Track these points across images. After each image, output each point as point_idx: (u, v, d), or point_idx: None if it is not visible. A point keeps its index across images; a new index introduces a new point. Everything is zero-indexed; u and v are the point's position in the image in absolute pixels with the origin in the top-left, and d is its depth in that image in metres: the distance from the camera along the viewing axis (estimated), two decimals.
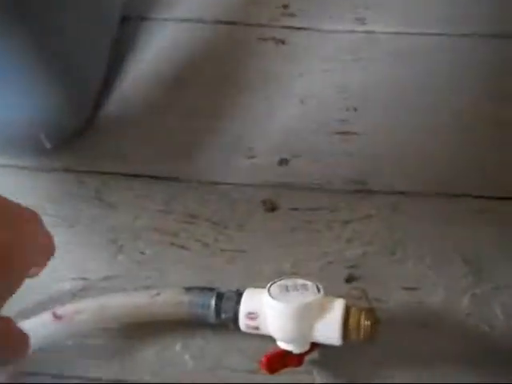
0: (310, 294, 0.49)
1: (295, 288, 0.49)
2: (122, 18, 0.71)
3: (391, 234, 0.58)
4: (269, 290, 0.49)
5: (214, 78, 0.69)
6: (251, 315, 0.49)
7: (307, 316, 0.48)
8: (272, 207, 0.60)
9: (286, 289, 0.49)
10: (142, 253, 0.58)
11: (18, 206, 0.36)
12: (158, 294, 0.52)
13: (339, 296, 0.50)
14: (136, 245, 0.59)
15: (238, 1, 0.70)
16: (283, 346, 0.50)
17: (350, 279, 0.57)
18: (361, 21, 0.69)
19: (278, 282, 0.50)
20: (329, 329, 0.48)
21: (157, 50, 0.70)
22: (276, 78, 0.67)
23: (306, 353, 0.50)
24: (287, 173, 0.62)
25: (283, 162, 0.62)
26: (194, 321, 0.52)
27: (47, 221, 0.39)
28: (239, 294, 0.51)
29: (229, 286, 0.54)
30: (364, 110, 0.64)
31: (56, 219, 0.60)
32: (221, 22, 0.70)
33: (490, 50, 0.69)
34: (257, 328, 0.49)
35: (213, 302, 0.51)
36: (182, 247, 0.59)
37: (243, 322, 0.50)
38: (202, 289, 0.53)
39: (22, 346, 0.38)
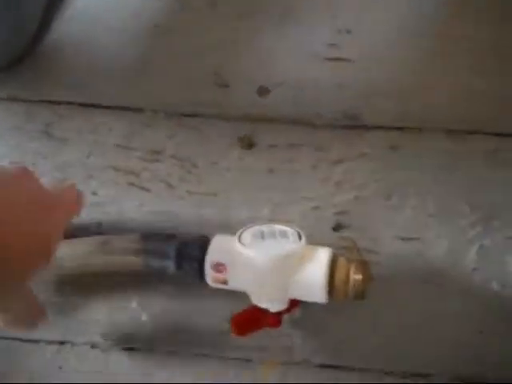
0: (289, 242, 0.41)
1: (272, 235, 0.41)
2: None
3: (388, 177, 0.50)
4: (240, 238, 0.41)
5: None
6: (219, 267, 0.41)
7: (286, 268, 0.40)
8: (249, 143, 0.51)
9: (261, 236, 0.41)
10: (95, 193, 0.50)
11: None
12: (110, 242, 0.45)
13: (325, 245, 0.42)
14: (88, 185, 0.51)
15: None
16: (257, 303, 0.42)
17: (337, 227, 0.48)
18: None
19: (252, 228, 0.42)
20: (312, 283, 0.40)
21: None
22: None
23: (285, 311, 0.43)
24: (267, 104, 0.53)
25: (263, 91, 0.53)
26: (152, 273, 0.45)
27: None
28: (205, 242, 0.43)
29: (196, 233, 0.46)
30: (358, 33, 0.55)
31: None
32: None
33: None
34: (225, 282, 0.41)
35: (173, 251, 0.43)
36: (143, 188, 0.51)
37: (210, 275, 0.42)
38: (161, 235, 0.45)
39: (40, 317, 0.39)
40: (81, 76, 0.55)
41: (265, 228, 0.42)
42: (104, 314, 0.49)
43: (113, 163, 0.51)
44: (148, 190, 0.50)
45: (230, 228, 0.45)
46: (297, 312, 0.47)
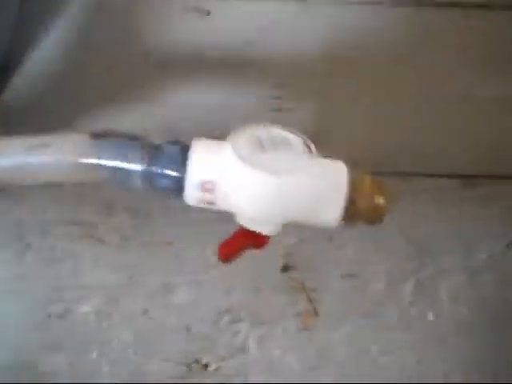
0: (295, 154, 0.32)
1: (273, 144, 0.32)
2: None
3: None
4: (234, 147, 0.31)
5: (135, 54, 0.62)
6: (207, 185, 0.31)
7: (294, 190, 0.32)
8: None
9: (260, 145, 0.32)
10: (53, 248, 0.52)
11: None
12: (48, 145, 0.31)
13: (275, 286, 0.45)
14: (45, 240, 0.53)
15: None
16: (248, 226, 0.34)
17: (285, 268, 0.52)
18: None
19: (247, 134, 0.32)
20: (326, 207, 0.32)
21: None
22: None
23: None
24: None
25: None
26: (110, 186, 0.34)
27: None
28: (184, 148, 0.32)
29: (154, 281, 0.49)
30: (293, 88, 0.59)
31: None
32: None
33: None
34: (212, 203, 0.32)
35: (138, 163, 0.31)
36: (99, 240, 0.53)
37: (193, 196, 0.31)
38: (120, 135, 0.32)
39: None
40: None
41: (263, 134, 0.33)
42: None
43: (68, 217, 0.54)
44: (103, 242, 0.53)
45: (185, 274, 0.48)
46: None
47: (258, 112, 0.57)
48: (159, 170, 0.31)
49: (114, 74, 0.59)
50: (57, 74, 0.60)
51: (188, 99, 0.58)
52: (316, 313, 0.49)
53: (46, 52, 0.60)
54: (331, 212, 0.32)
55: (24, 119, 0.57)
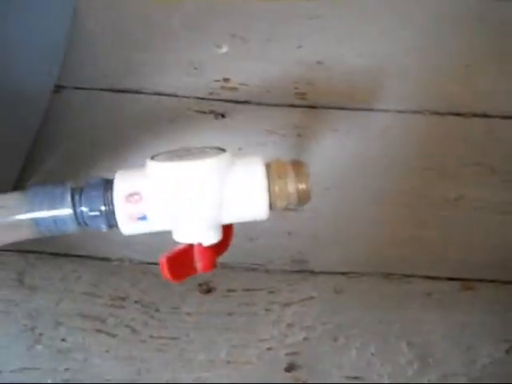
0: (212, 154, 0.34)
1: (189, 153, 0.35)
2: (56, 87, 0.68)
3: (333, 318, 0.55)
4: (154, 159, 0.34)
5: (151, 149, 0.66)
6: (134, 197, 0.32)
7: (217, 182, 0.33)
8: (207, 289, 0.56)
9: (177, 155, 0.34)
10: (64, 340, 0.54)
11: None
12: None
13: None
14: (57, 332, 0.54)
15: (178, 73, 0.69)
16: (185, 239, 0.34)
17: (290, 368, 0.53)
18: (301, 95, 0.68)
19: (162, 153, 0.35)
20: (250, 198, 0.33)
21: (91, 120, 0.67)
22: None
23: (218, 248, 0.36)
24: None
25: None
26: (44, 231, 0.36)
27: None
28: (108, 180, 0.34)
29: (159, 376, 0.50)
30: None
31: None
32: (160, 94, 0.68)
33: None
34: (143, 216, 0.33)
35: (68, 197, 0.33)
36: (109, 334, 0.54)
37: (122, 211, 0.32)
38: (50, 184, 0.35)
39: None
40: None
41: (178, 152, 0.35)
42: None
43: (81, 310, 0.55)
44: (114, 336, 0.54)
45: (189, 371, 0.49)
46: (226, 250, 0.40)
47: None
48: (88, 205, 0.33)
49: None
50: None
51: None
52: None
53: None
54: (258, 203, 0.33)
55: None
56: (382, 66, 0.69)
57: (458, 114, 0.66)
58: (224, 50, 0.70)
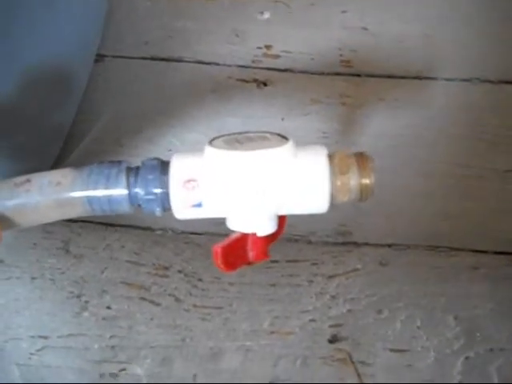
0: (274, 142, 0.32)
1: (249, 139, 0.33)
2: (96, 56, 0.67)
3: (378, 291, 0.54)
4: (212, 145, 0.32)
5: (194, 119, 0.65)
6: (190, 183, 0.32)
7: (277, 173, 0.32)
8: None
9: (237, 141, 0.33)
10: (109, 308, 0.54)
11: None
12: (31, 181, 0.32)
13: (322, 358, 0.46)
14: (103, 300, 0.54)
15: (219, 41, 0.67)
16: (241, 228, 0.33)
17: (333, 339, 0.52)
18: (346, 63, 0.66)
19: (223, 137, 0.34)
20: (311, 190, 0.32)
21: (132, 89, 0.66)
22: (257, 121, 0.64)
23: (273, 236, 0.34)
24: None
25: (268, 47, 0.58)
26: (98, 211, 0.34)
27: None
28: (164, 162, 0.33)
29: (204, 345, 0.50)
30: None
31: (15, 270, 0.56)
32: (201, 62, 0.67)
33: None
34: (199, 203, 0.32)
35: (123, 178, 0.32)
36: (153, 302, 0.54)
37: (179, 197, 0.32)
38: (104, 164, 0.33)
39: None
40: None
41: (238, 136, 0.33)
42: None
43: (125, 278, 0.56)
44: (158, 304, 0.54)
45: (233, 340, 0.49)
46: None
47: None
48: (143, 188, 0.32)
49: None
50: None
51: None
52: None
53: None
54: (319, 197, 0.32)
55: None
56: (430, 33, 0.66)
57: (510, 83, 0.63)
58: (266, 16, 0.68)
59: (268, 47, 0.67)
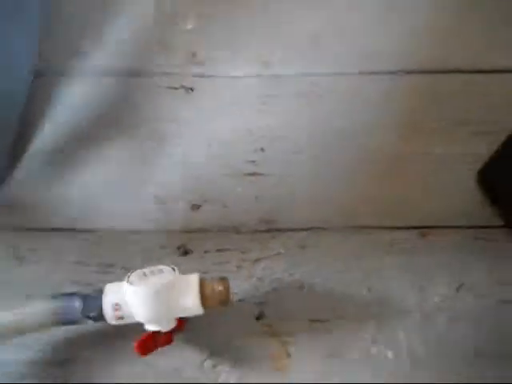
0: (166, 275, 0.52)
1: (152, 273, 0.52)
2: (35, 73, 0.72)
3: (299, 270, 0.61)
4: (128, 279, 0.51)
5: (129, 127, 0.71)
6: (116, 307, 0.52)
7: (167, 295, 0.51)
8: (185, 251, 0.62)
9: (144, 275, 0.52)
10: None
11: None
12: (24, 308, 0.53)
13: (250, 333, 0.52)
14: None
15: (146, 50, 0.73)
16: (151, 327, 0.52)
17: (260, 316, 0.59)
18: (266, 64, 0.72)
19: (136, 271, 0.53)
20: (188, 301, 0.51)
21: (67, 104, 0.71)
22: (186, 124, 0.70)
23: (174, 330, 0.54)
24: (199, 218, 0.65)
25: (194, 207, 0.65)
26: (64, 325, 0.53)
27: None
28: (101, 291, 0.53)
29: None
30: (271, 151, 0.67)
31: None
32: (130, 74, 0.72)
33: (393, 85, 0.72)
34: (122, 318, 0.52)
35: (77, 304, 0.53)
36: None
37: (109, 315, 0.52)
38: (66, 294, 0.54)
39: None
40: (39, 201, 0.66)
41: (146, 270, 0.53)
42: None
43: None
44: None
45: None
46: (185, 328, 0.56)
47: None
48: (90, 310, 0.53)
49: None
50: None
51: None
52: (288, 355, 0.55)
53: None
54: (192, 303, 0.52)
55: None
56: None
57: (429, 72, 0.70)
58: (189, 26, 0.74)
59: (194, 54, 0.72)
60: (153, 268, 0.52)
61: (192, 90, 0.71)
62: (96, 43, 0.73)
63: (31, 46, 0.71)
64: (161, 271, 0.52)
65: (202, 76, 0.71)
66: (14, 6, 0.65)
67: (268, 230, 0.64)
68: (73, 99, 0.71)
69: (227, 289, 0.52)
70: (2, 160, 0.66)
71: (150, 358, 0.52)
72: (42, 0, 0.72)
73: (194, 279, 0.52)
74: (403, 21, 0.72)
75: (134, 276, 0.52)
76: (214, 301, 0.52)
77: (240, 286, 0.60)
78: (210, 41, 0.72)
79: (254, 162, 0.67)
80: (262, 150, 0.67)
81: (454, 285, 0.60)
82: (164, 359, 0.56)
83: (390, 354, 0.57)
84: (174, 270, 0.52)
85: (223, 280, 0.52)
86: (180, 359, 0.57)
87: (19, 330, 0.52)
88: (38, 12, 0.72)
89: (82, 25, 0.74)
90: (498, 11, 0.72)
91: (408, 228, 0.64)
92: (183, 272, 0.60)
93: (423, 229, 0.64)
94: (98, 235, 0.64)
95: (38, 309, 0.52)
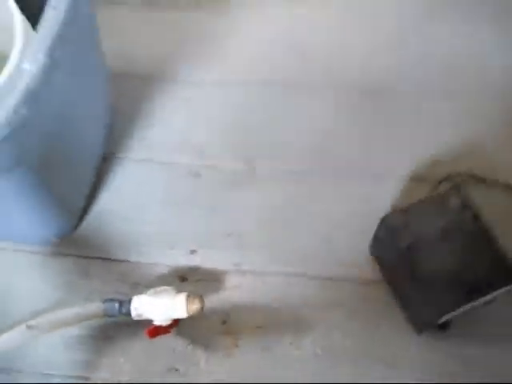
0: (169, 293, 0.83)
1: (160, 291, 0.84)
2: (103, 157, 1.06)
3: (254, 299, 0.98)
4: (147, 293, 0.83)
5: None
6: (137, 309, 0.83)
7: (167, 304, 0.82)
8: (183, 279, 1.00)
9: (156, 292, 0.83)
10: None
11: None
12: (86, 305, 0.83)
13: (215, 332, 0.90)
14: None
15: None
16: (157, 322, 0.83)
17: (224, 322, 0.96)
18: None
19: (153, 289, 0.84)
20: (179, 308, 0.81)
21: (123, 183, 1.04)
22: None
23: (171, 325, 0.84)
24: (195, 259, 0.98)
25: (193, 252, 0.98)
26: (108, 317, 0.83)
27: None
28: (130, 300, 0.83)
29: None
30: None
31: None
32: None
33: None
34: (141, 315, 0.83)
35: (117, 306, 0.83)
36: None
37: (133, 313, 0.83)
38: (112, 299, 0.84)
39: None
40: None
41: (157, 288, 0.84)
42: None
43: None
44: None
45: None
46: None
47: None
48: (124, 309, 0.83)
49: None
50: None
51: None
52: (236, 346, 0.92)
53: None
54: (181, 311, 0.81)
55: None
56: None
57: None
58: None
59: None
60: (161, 288, 0.83)
61: None
62: None
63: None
64: (165, 290, 0.83)
65: None
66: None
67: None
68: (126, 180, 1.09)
69: (202, 302, 0.82)
70: (75, 218, 1.02)
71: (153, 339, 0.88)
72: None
73: (183, 295, 0.82)
74: None
75: (151, 291, 0.82)
76: (194, 309, 0.81)
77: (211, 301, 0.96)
78: None
79: None
80: None
81: None
82: (162, 341, 0.93)
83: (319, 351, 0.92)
84: (175, 290, 0.82)
85: (200, 297, 0.82)
86: (174, 342, 0.93)
87: (75, 323, 0.82)
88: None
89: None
90: None
91: None
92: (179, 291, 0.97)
93: None
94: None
95: (94, 306, 0.83)
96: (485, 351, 0.87)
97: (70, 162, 0.88)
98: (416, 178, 1.01)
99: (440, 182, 0.95)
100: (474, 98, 1.08)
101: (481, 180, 0.97)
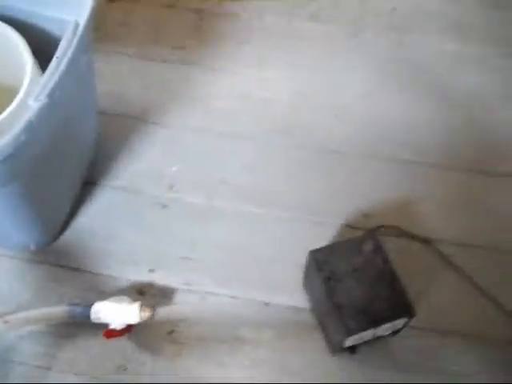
0: (126, 301, 1.01)
1: (117, 300, 1.01)
2: (84, 183, 1.26)
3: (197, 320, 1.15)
4: (107, 300, 1.00)
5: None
6: (96, 314, 0.99)
7: (122, 311, 0.99)
8: (141, 292, 1.16)
9: (115, 300, 1.01)
10: None
11: None
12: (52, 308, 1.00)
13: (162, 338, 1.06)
14: None
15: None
16: (113, 326, 0.99)
17: (170, 332, 1.12)
18: None
19: (113, 297, 1.02)
20: (132, 316, 0.99)
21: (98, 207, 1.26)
22: None
23: (125, 330, 1.01)
24: (153, 276, 1.19)
25: (151, 270, 1.20)
26: (72, 320, 1.00)
27: None
28: (91, 305, 0.99)
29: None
30: None
31: None
32: None
33: None
34: (100, 318, 0.98)
35: (79, 310, 1.00)
36: None
37: (93, 317, 0.98)
38: (75, 304, 1.01)
39: None
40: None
41: (116, 297, 1.02)
42: None
43: None
44: None
45: None
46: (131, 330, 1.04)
47: None
48: (85, 313, 1.00)
49: None
50: None
51: None
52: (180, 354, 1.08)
53: None
54: (134, 317, 1.00)
55: None
56: None
57: None
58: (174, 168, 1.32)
59: None
60: (119, 297, 1.05)
61: None
62: None
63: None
64: (122, 299, 1.01)
65: None
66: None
67: None
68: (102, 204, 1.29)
69: (152, 311, 1.04)
70: (55, 231, 1.22)
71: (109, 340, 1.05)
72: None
73: (136, 304, 1.02)
74: None
75: (109, 299, 1.00)
76: (145, 317, 1.00)
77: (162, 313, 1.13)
78: None
79: None
80: None
81: None
82: (116, 342, 1.09)
83: (248, 363, 1.08)
84: (128, 299, 1.01)
85: (151, 306, 1.04)
86: (126, 344, 1.09)
87: (44, 321, 1.02)
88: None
89: None
90: None
91: None
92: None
93: None
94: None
95: (60, 309, 0.99)
96: (390, 375, 1.03)
97: (56, 180, 1.05)
98: (351, 226, 1.19)
99: (370, 231, 1.12)
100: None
101: (403, 233, 1.15)
